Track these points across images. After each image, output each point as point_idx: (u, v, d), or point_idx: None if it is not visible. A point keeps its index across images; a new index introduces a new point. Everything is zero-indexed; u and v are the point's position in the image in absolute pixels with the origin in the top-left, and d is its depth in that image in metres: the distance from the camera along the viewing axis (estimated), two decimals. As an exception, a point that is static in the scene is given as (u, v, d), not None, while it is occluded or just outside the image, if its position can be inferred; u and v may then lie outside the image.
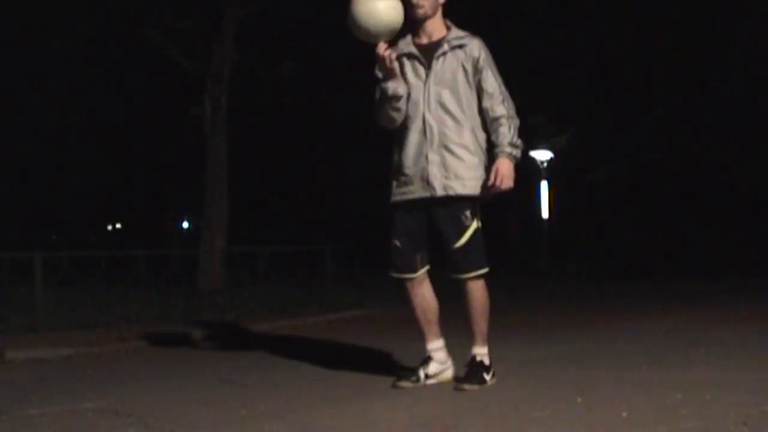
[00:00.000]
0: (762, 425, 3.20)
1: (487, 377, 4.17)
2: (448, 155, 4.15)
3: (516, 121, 4.19)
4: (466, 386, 4.10)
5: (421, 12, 4.17)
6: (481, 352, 4.20)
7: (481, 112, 4.22)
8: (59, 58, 17.95)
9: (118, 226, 41.95)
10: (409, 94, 4.23)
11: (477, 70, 4.18)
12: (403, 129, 4.26)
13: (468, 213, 4.16)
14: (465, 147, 4.15)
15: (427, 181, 4.16)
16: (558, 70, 21.07)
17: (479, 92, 4.20)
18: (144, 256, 10.24)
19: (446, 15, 4.26)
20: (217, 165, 12.85)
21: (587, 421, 3.36)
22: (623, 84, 22.07)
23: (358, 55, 4.28)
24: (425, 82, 4.19)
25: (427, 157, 4.17)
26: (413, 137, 4.22)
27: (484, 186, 4.16)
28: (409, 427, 3.44)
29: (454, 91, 4.17)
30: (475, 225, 4.18)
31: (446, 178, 4.14)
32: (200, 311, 9.40)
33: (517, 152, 4.15)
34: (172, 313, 9.05)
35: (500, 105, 4.19)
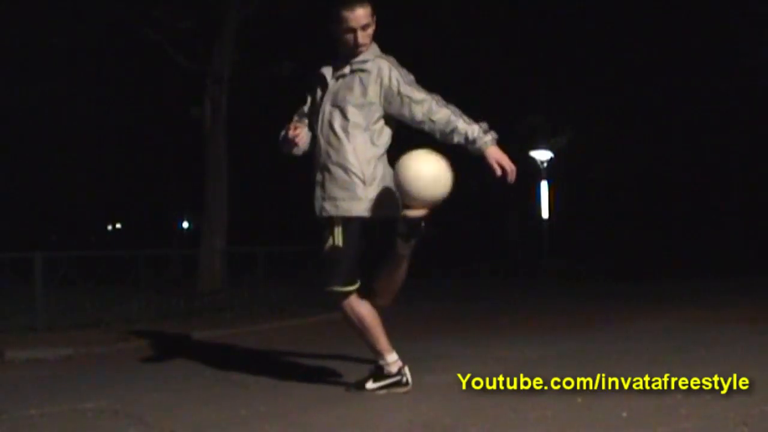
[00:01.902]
0: (762, 425, 3.20)
1: (371, 384, 4.14)
2: (327, 175, 4.11)
3: (460, 111, 4.05)
4: (350, 387, 4.24)
5: (364, 49, 4.13)
6: (380, 361, 4.18)
7: (376, 133, 4.12)
8: (59, 58, 17.95)
9: (118, 226, 41.96)
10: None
11: (393, 91, 4.06)
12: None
13: (333, 229, 4.08)
14: (342, 166, 4.07)
15: (313, 202, 4.16)
16: (558, 71, 21.07)
17: (408, 107, 4.04)
18: (144, 256, 10.23)
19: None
20: (217, 165, 12.85)
21: (587, 421, 3.36)
22: (623, 84, 22.08)
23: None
24: (322, 103, 4.19)
25: (315, 177, 4.18)
26: (313, 158, 4.24)
27: (378, 205, 4.05)
28: (409, 427, 3.45)
29: (343, 112, 4.10)
30: (330, 242, 4.09)
31: (323, 198, 4.12)
32: (200, 311, 9.40)
33: (493, 134, 3.99)
34: (172, 313, 9.06)
35: (441, 108, 4.03)
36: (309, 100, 4.36)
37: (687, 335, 6.33)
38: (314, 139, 4.26)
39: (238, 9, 12.63)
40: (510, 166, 3.99)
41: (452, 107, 4.07)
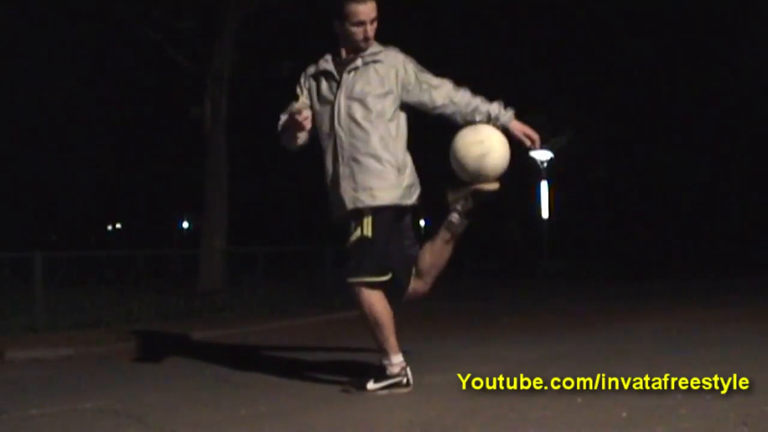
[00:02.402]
0: (762, 425, 3.20)
1: (373, 385, 4.12)
2: (356, 166, 4.07)
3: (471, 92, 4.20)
4: (348, 386, 4.22)
5: (371, 43, 4.14)
6: (384, 361, 4.17)
7: (397, 121, 4.14)
8: (60, 58, 17.96)
9: (118, 226, 41.98)
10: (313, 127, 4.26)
11: (411, 79, 4.12)
12: (323, 146, 4.23)
13: (362, 220, 4.06)
14: (373, 156, 4.05)
15: (339, 197, 4.10)
16: (559, 71, 21.07)
17: (428, 93, 4.12)
18: (144, 256, 10.24)
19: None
20: (217, 165, 12.85)
21: (587, 421, 3.36)
22: (624, 84, 22.07)
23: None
24: (335, 97, 4.15)
25: (338, 172, 4.12)
26: (329, 154, 4.18)
27: (410, 193, 4.12)
28: (409, 427, 3.44)
29: (363, 103, 4.08)
30: (358, 233, 4.06)
31: (355, 190, 4.07)
32: (200, 311, 9.41)
33: (511, 109, 4.19)
34: (172, 313, 9.06)
35: (459, 90, 4.16)
36: (306, 96, 4.30)
37: (687, 335, 6.33)
38: (320, 133, 4.22)
39: (238, 9, 12.62)
40: (535, 135, 4.21)
41: (466, 89, 4.19)
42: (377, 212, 4.05)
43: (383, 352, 4.18)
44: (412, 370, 4.22)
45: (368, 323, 4.16)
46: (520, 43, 20.41)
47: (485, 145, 4.07)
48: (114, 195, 29.41)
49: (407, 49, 4.33)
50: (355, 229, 4.08)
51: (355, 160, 4.08)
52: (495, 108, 4.16)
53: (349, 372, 4.75)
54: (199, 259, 12.55)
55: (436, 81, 4.17)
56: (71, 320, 8.19)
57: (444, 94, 4.14)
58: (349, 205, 4.08)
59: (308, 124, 4.19)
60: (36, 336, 7.45)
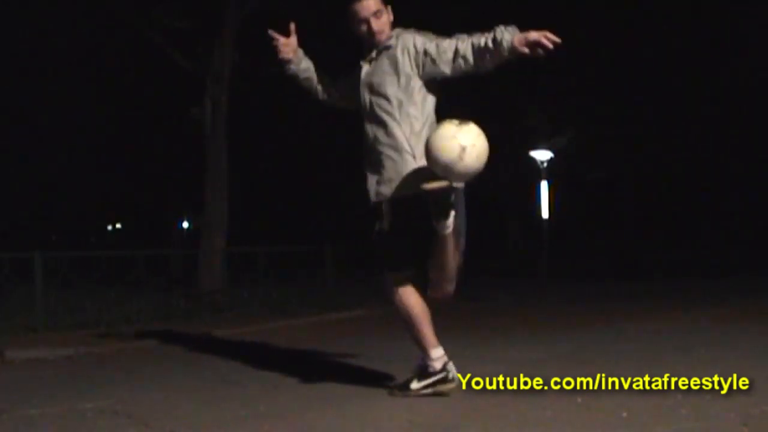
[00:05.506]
0: (762, 425, 3.20)
1: (416, 384, 4.03)
2: (379, 159, 4.05)
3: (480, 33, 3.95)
4: (393, 389, 4.14)
5: (383, 37, 4.11)
6: (424, 357, 4.08)
7: (420, 106, 4.04)
8: (59, 58, 17.97)
9: (118, 226, 41.98)
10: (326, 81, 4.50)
11: (421, 56, 4.00)
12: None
13: (381, 214, 4.02)
14: (392, 147, 4.02)
15: (366, 188, 4.10)
16: (558, 71, 21.06)
17: (438, 59, 3.96)
18: (144, 256, 10.23)
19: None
20: (217, 165, 12.83)
21: (587, 421, 3.36)
22: (623, 84, 22.07)
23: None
24: (360, 92, 4.16)
25: (367, 164, 4.12)
26: (364, 146, 4.18)
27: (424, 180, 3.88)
28: (409, 427, 3.45)
29: (381, 93, 4.06)
30: (377, 227, 4.03)
31: (378, 183, 4.05)
32: (200, 311, 9.40)
33: (512, 27, 3.89)
34: (172, 313, 9.06)
35: (464, 40, 3.93)
36: (347, 81, 4.33)
37: (687, 335, 6.33)
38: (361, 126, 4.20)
39: (238, 9, 12.61)
40: (542, 36, 3.84)
41: (472, 34, 3.95)
42: (398, 204, 3.98)
43: (421, 349, 4.08)
44: (410, 370, 4.22)
45: (402, 318, 4.10)
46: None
47: (431, 138, 3.80)
48: (114, 195, 29.40)
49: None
50: (377, 221, 4.05)
51: (378, 152, 4.05)
52: (493, 35, 3.84)
53: (349, 372, 4.75)
54: (199, 259, 12.54)
55: (444, 43, 3.97)
56: (71, 320, 8.19)
57: (452, 51, 3.93)
58: (372, 198, 4.07)
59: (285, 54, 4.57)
60: (36, 336, 7.45)
